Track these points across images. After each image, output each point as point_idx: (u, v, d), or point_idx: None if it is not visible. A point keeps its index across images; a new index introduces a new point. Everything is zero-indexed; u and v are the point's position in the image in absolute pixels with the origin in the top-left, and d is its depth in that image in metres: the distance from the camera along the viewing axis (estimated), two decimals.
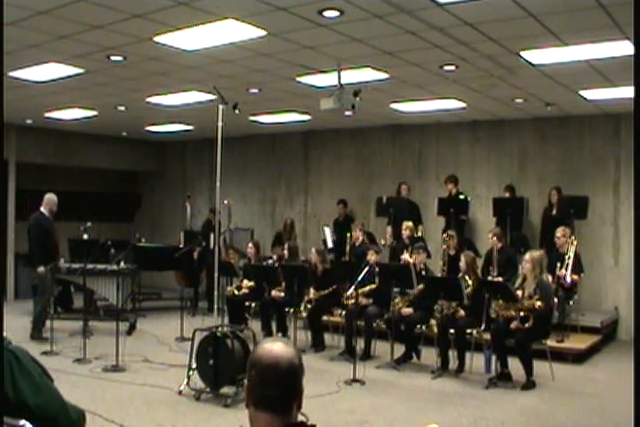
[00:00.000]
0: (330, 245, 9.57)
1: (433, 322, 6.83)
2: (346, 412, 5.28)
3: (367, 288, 7.19)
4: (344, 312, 7.45)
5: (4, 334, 1.95)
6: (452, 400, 5.63)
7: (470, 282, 6.62)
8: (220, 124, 6.00)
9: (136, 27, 5.30)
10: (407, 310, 6.99)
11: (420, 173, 10.48)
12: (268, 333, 7.72)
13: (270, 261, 8.71)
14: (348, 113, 8.20)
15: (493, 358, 6.29)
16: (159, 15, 5.01)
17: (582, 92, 7.54)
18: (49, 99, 8.60)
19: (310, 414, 1.78)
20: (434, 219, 9.55)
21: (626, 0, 4.15)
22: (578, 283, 7.36)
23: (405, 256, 7.66)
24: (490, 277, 7.22)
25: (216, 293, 6.29)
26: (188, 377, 5.73)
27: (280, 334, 7.66)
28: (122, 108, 9.41)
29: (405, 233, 8.42)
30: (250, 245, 8.70)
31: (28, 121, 10.66)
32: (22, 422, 1.86)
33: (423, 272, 7.19)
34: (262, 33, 5.45)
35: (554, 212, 8.60)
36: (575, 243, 7.40)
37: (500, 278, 7.03)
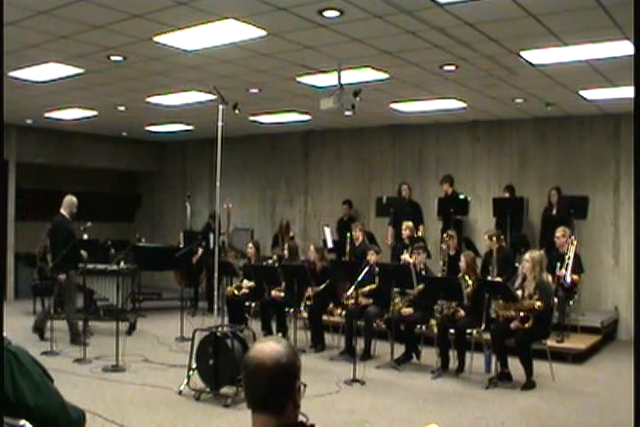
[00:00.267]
0: (330, 245, 9.57)
1: (433, 322, 6.84)
2: (346, 412, 5.28)
3: (367, 288, 7.20)
4: (344, 312, 7.45)
5: (4, 334, 1.95)
6: (452, 400, 5.63)
7: (470, 282, 6.62)
8: (220, 124, 6.00)
9: (136, 27, 5.30)
10: (407, 310, 6.99)
11: (420, 173, 10.47)
12: (268, 333, 7.72)
13: (270, 261, 8.70)
14: (347, 113, 8.20)
15: (493, 358, 6.29)
16: (159, 15, 5.01)
17: (582, 92, 7.53)
18: (49, 99, 8.60)
19: (310, 414, 1.77)
20: (433, 219, 9.55)
21: (626, 0, 4.15)
22: (578, 283, 7.36)
23: (405, 256, 7.66)
24: (489, 278, 7.21)
25: (216, 293, 6.29)
26: (188, 377, 5.73)
27: (280, 334, 7.66)
28: (122, 108, 9.41)
29: (405, 233, 8.43)
30: (250, 245, 8.70)
31: (28, 121, 10.66)
32: (22, 422, 1.86)
33: (423, 272, 7.19)
34: (262, 33, 5.45)
35: (554, 212, 8.61)
36: (575, 243, 7.40)
37: (499, 279, 7.02)
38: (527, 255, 6.29)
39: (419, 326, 7.01)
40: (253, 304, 8.14)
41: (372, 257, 7.40)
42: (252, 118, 10.02)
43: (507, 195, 9.16)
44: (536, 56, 5.98)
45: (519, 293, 6.14)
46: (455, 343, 6.57)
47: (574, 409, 5.40)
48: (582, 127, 9.14)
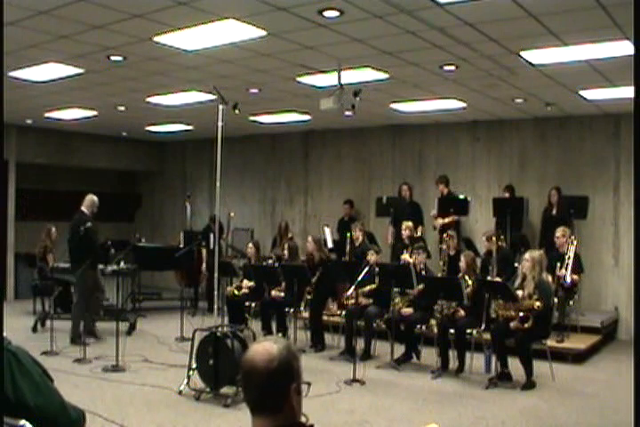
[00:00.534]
0: (330, 245, 9.57)
1: (433, 322, 6.84)
2: (346, 412, 5.28)
3: (367, 288, 7.19)
4: (344, 312, 7.45)
5: (4, 334, 1.95)
6: (452, 400, 5.63)
7: (470, 282, 6.62)
8: (220, 124, 6.00)
9: (136, 27, 5.30)
10: (407, 310, 6.99)
11: (420, 173, 10.47)
12: (268, 333, 7.72)
13: (270, 262, 8.71)
14: (347, 113, 8.19)
15: (493, 358, 6.29)
16: (159, 15, 5.01)
17: (582, 92, 7.53)
18: (49, 99, 8.60)
19: (310, 414, 1.77)
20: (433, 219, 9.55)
21: (626, 0, 4.15)
22: (578, 283, 7.36)
23: (405, 256, 7.66)
24: (489, 278, 7.21)
25: (216, 293, 6.29)
26: (188, 377, 5.73)
27: (280, 334, 7.66)
28: (122, 108, 9.41)
29: (405, 233, 8.42)
30: (250, 245, 8.71)
31: (28, 121, 10.66)
32: (22, 422, 1.86)
33: (423, 272, 7.19)
34: (262, 33, 5.45)
35: (554, 212, 8.61)
36: (575, 243, 7.40)
37: (499, 279, 7.02)
38: (527, 255, 6.29)
39: (419, 326, 7.01)
40: (253, 304, 8.14)
41: (372, 257, 7.40)
42: (251, 118, 10.02)
43: (507, 195, 9.16)
44: (536, 56, 5.98)
45: (519, 293, 6.14)
46: (455, 343, 6.57)
47: (574, 409, 5.40)
48: (582, 127, 9.14)
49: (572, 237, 7.45)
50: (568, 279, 7.13)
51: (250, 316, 8.11)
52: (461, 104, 8.56)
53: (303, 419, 1.74)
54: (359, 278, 6.65)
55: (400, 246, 8.39)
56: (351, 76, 6.72)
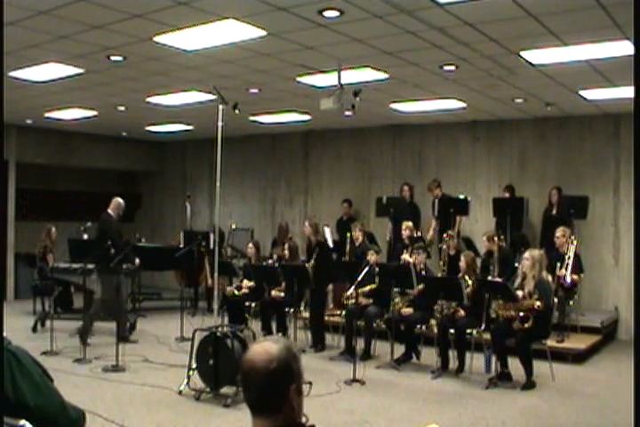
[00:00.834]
0: (330, 245, 9.56)
1: (433, 322, 6.84)
2: (346, 412, 5.28)
3: (367, 288, 7.19)
4: (344, 312, 7.45)
5: (4, 334, 1.95)
6: (452, 400, 5.63)
7: (470, 282, 6.62)
8: (220, 124, 6.00)
9: (136, 27, 5.30)
10: (407, 310, 6.99)
11: (420, 173, 10.47)
12: (268, 333, 7.72)
13: (270, 261, 8.71)
14: (347, 113, 8.19)
15: (493, 358, 6.29)
16: (159, 15, 5.01)
17: (582, 92, 7.53)
18: (49, 99, 8.60)
19: (310, 414, 1.77)
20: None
21: (626, 0, 4.15)
22: (578, 283, 7.36)
23: (405, 256, 7.66)
24: (489, 278, 7.21)
25: (216, 293, 6.29)
26: (188, 377, 5.73)
27: (280, 335, 7.66)
28: (122, 108, 9.41)
29: (405, 233, 8.41)
30: (250, 245, 8.70)
31: (28, 121, 10.66)
32: (22, 422, 1.86)
33: (423, 272, 7.19)
34: (262, 33, 5.45)
35: (554, 212, 8.61)
36: (575, 243, 7.40)
37: (499, 279, 7.02)
38: (527, 254, 6.29)
39: (419, 326, 7.01)
40: (253, 304, 8.13)
41: (372, 257, 7.40)
42: (252, 118, 10.03)
43: (507, 195, 9.16)
44: (536, 56, 5.98)
45: (519, 292, 6.14)
46: (455, 343, 6.57)
47: (574, 409, 5.40)
48: (582, 127, 9.14)
49: (572, 237, 7.45)
50: (568, 279, 7.13)
51: (250, 316, 8.10)
52: (461, 104, 8.56)
53: (303, 419, 1.74)
54: (359, 278, 6.65)
55: (400, 246, 8.39)
56: (351, 76, 6.72)
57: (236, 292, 8.18)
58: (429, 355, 6.88)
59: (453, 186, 10.02)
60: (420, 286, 6.80)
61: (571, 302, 7.32)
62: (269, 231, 11.69)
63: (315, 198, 11.67)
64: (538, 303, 5.93)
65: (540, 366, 6.18)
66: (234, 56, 6.27)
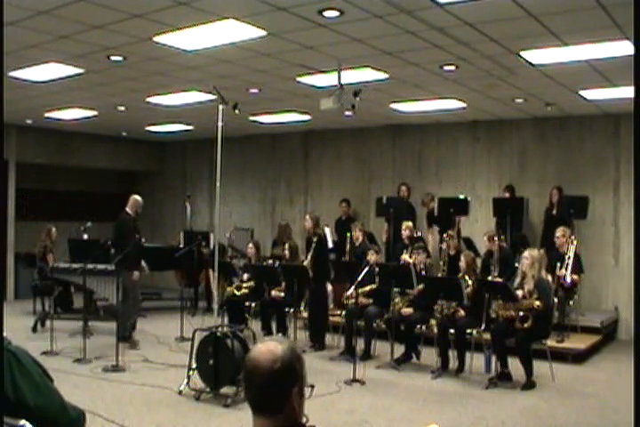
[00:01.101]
0: (330, 245, 9.57)
1: (433, 322, 6.84)
2: (346, 412, 5.28)
3: (367, 288, 7.19)
4: (344, 312, 7.45)
5: (4, 334, 1.95)
6: (452, 400, 5.63)
7: (470, 282, 6.62)
8: (220, 124, 6.00)
9: (136, 27, 5.30)
10: (407, 310, 6.99)
11: (420, 173, 10.48)
12: (268, 333, 7.72)
13: (270, 261, 8.71)
14: (347, 113, 8.20)
15: (493, 358, 6.29)
16: (159, 15, 5.01)
17: (582, 92, 7.53)
18: (49, 99, 8.60)
19: (310, 415, 1.77)
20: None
21: (626, 0, 4.15)
22: (578, 283, 7.36)
23: (405, 256, 7.65)
24: (490, 278, 7.20)
25: (216, 293, 6.30)
26: (188, 377, 5.73)
27: (280, 335, 7.66)
28: (122, 108, 9.41)
29: (405, 233, 8.41)
30: (250, 245, 8.70)
31: (28, 121, 10.65)
32: (22, 422, 1.86)
33: (423, 272, 7.19)
34: (262, 33, 5.45)
35: (554, 211, 8.61)
36: (575, 243, 7.39)
37: (499, 279, 7.02)
38: (526, 253, 6.29)
39: (419, 326, 7.01)
40: (253, 304, 8.14)
41: (372, 257, 7.40)
42: (252, 118, 10.02)
43: (507, 195, 9.16)
44: (536, 56, 5.98)
45: (519, 292, 6.14)
46: (455, 343, 6.57)
47: (574, 409, 5.40)
48: (582, 127, 9.14)
49: (572, 238, 7.45)
50: (568, 279, 7.13)
51: (250, 316, 8.11)
52: (461, 104, 8.56)
53: (303, 419, 1.74)
54: (359, 278, 6.65)
55: (400, 246, 8.39)
56: (351, 76, 6.72)
57: (236, 292, 8.18)
58: (429, 355, 6.88)
59: (453, 186, 10.03)
60: (420, 286, 6.80)
61: (571, 302, 7.32)
62: (269, 231, 11.70)
63: (315, 198, 11.67)
64: (537, 303, 5.93)
65: (540, 366, 6.18)
66: (234, 56, 6.27)
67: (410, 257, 7.51)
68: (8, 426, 1.84)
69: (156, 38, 5.64)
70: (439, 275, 7.50)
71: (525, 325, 5.97)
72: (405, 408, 5.41)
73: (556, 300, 6.56)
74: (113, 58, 6.39)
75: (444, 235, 8.02)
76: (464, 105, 8.60)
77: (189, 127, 11.23)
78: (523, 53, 5.92)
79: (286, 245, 8.29)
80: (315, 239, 7.86)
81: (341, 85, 6.45)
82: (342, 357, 7.14)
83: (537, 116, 9.31)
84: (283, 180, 12.11)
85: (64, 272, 8.55)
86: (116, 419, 4.85)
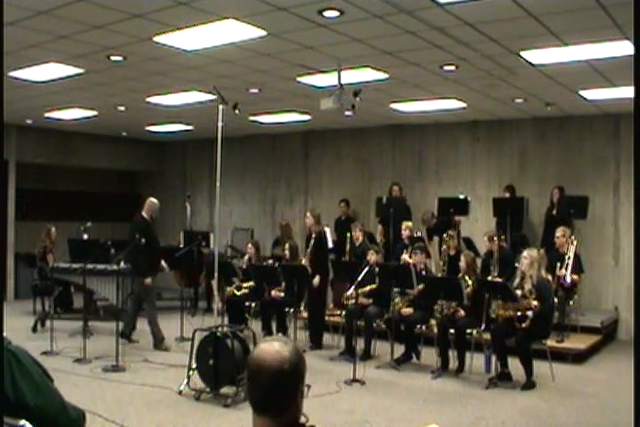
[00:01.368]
0: (330, 245, 9.56)
1: (433, 322, 6.83)
2: (346, 412, 5.28)
3: (367, 288, 7.19)
4: (344, 312, 7.45)
5: (4, 334, 1.94)
6: (452, 400, 5.63)
7: (470, 282, 6.62)
8: (220, 124, 5.99)
9: (136, 27, 5.30)
10: (407, 310, 6.99)
11: (420, 173, 10.48)
12: (268, 333, 7.72)
13: (270, 261, 8.71)
14: (347, 113, 8.19)
15: (493, 358, 6.29)
16: (159, 15, 5.01)
17: (582, 92, 7.53)
18: (49, 99, 8.59)
19: (310, 414, 1.77)
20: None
21: (626, 0, 4.15)
22: (578, 283, 7.35)
23: (405, 256, 7.65)
24: (490, 278, 7.20)
25: (216, 293, 6.30)
26: (188, 377, 5.73)
27: (280, 335, 7.65)
28: (122, 108, 9.41)
29: (405, 233, 8.41)
30: (250, 245, 8.70)
31: (28, 121, 10.66)
32: (22, 422, 1.86)
33: (423, 272, 7.19)
34: (262, 33, 5.45)
35: (554, 211, 8.60)
36: (575, 243, 7.39)
37: (499, 279, 7.01)
38: (525, 253, 6.30)
39: (419, 326, 7.01)
40: (253, 304, 8.14)
41: (372, 257, 7.39)
42: (251, 118, 10.02)
43: (507, 195, 9.16)
44: (536, 56, 5.98)
45: (518, 292, 6.14)
46: (455, 343, 6.57)
47: (574, 409, 5.40)
48: (582, 127, 9.14)
49: (572, 238, 7.45)
50: (568, 279, 7.13)
51: (250, 316, 8.11)
52: (461, 104, 8.56)
53: (303, 419, 1.74)
54: (359, 278, 6.65)
55: (400, 246, 8.38)
56: (351, 76, 6.72)
57: (236, 292, 8.18)
58: (429, 355, 6.88)
59: (453, 186, 10.03)
60: (420, 286, 6.80)
61: (571, 302, 7.32)
62: (269, 231, 11.70)
63: (315, 198, 11.66)
64: (535, 303, 5.93)
65: (540, 366, 6.17)
66: (234, 56, 6.27)
67: (409, 258, 7.51)
68: (8, 426, 1.84)
69: (156, 38, 5.64)
70: (439, 275, 7.50)
71: (523, 325, 5.97)
72: (405, 408, 5.41)
73: (555, 300, 6.56)
74: (113, 58, 6.39)
75: (444, 235, 8.01)
76: (464, 105, 8.60)
77: (189, 127, 11.23)
78: (523, 53, 5.92)
79: (286, 245, 8.29)
80: (314, 236, 7.88)
81: (341, 85, 6.45)
82: (342, 357, 7.14)
83: (537, 116, 9.31)
84: (283, 180, 12.11)
85: (64, 272, 8.55)
86: (116, 419, 4.85)
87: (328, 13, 4.92)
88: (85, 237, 9.50)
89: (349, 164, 11.25)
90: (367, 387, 6.04)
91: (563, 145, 9.28)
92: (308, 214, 8.13)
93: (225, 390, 5.48)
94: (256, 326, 7.59)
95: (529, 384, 5.95)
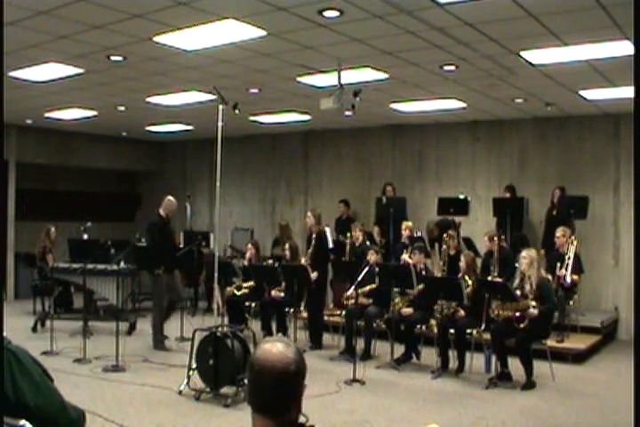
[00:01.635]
0: (330, 245, 9.56)
1: (433, 322, 6.83)
2: (346, 412, 5.28)
3: (367, 288, 7.19)
4: (344, 312, 7.45)
5: (4, 334, 1.94)
6: (452, 400, 5.63)
7: (470, 282, 6.62)
8: (220, 124, 5.99)
9: (136, 27, 5.30)
10: (407, 310, 6.99)
11: (420, 173, 10.48)
12: (268, 333, 7.71)
13: (270, 261, 8.70)
14: (347, 113, 8.20)
15: (493, 358, 6.29)
16: (159, 15, 5.00)
17: (582, 92, 7.53)
18: (49, 99, 8.59)
19: (310, 415, 1.77)
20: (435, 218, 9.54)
21: (626, 0, 4.15)
22: (578, 283, 7.35)
23: (405, 256, 7.65)
24: (490, 278, 7.20)
25: (216, 293, 6.30)
26: (188, 377, 5.73)
27: (280, 335, 7.65)
28: (122, 108, 9.41)
29: (405, 233, 8.40)
30: (249, 245, 8.69)
31: (28, 121, 10.66)
32: (22, 422, 1.86)
33: (423, 272, 7.19)
34: (262, 33, 5.45)
35: (554, 212, 8.60)
36: (575, 243, 7.39)
37: (499, 279, 7.01)
38: (524, 253, 6.30)
39: (419, 326, 7.01)
40: (253, 304, 8.13)
41: (372, 257, 7.39)
42: (252, 118, 10.02)
43: (507, 195, 9.16)
44: (536, 56, 5.98)
45: (518, 292, 6.14)
46: (455, 343, 6.57)
47: (574, 409, 5.40)
48: (582, 127, 9.14)
49: (572, 238, 7.45)
50: (568, 279, 7.12)
51: (250, 316, 8.10)
52: (461, 104, 8.56)
53: (303, 419, 1.74)
54: (359, 278, 6.65)
55: (400, 246, 8.38)
56: (351, 76, 6.72)
57: (236, 292, 8.18)
58: (429, 355, 6.88)
59: (453, 186, 10.03)
60: (420, 286, 6.80)
61: (571, 302, 7.32)
62: (269, 231, 11.70)
63: (315, 198, 11.66)
64: (533, 304, 5.92)
65: (540, 366, 6.17)
66: (234, 56, 6.27)
67: (409, 258, 7.50)
68: (8, 426, 1.84)
69: (156, 38, 5.64)
70: (439, 275, 7.50)
71: (521, 325, 5.96)
72: (405, 408, 5.41)
73: (555, 300, 6.56)
74: (113, 58, 6.39)
75: (445, 235, 8.00)
76: (464, 105, 8.60)
77: (189, 127, 11.23)
78: (523, 53, 5.92)
79: (286, 246, 8.29)
80: (314, 236, 7.88)
81: (341, 85, 6.45)
82: (342, 357, 7.14)
83: (537, 116, 9.31)
84: (283, 180, 12.11)
85: (64, 272, 8.55)
86: (115, 419, 4.85)
87: (328, 13, 4.92)
88: (85, 237, 9.50)
89: (349, 164, 11.25)
90: (367, 387, 6.04)
91: (563, 145, 9.28)
92: (309, 214, 8.14)
93: (225, 390, 5.48)
94: (256, 326, 7.59)
95: (529, 384, 5.95)
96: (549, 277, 6.96)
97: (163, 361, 6.81)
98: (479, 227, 9.44)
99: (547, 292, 6.07)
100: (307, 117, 9.92)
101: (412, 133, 10.53)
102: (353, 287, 6.84)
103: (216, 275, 6.14)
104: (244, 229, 11.95)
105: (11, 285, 11.11)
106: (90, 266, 7.84)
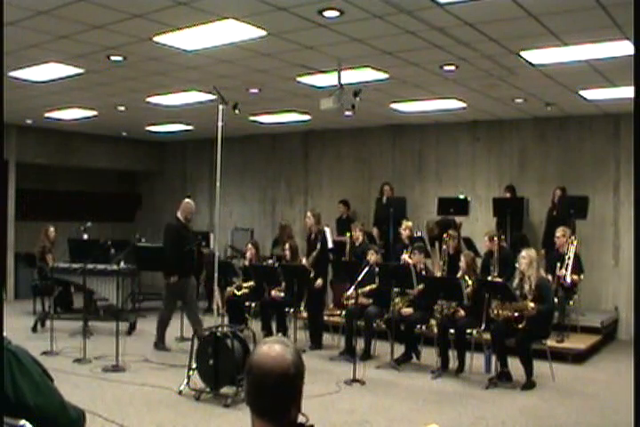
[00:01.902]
0: (330, 245, 9.55)
1: (433, 322, 6.83)
2: (346, 412, 5.28)
3: (367, 288, 7.19)
4: (344, 312, 7.45)
5: (4, 334, 1.94)
6: (452, 400, 5.63)
7: (470, 282, 6.62)
8: (220, 124, 5.99)
9: (136, 27, 5.30)
10: (407, 310, 6.99)
11: (420, 173, 10.48)
12: (268, 333, 7.71)
13: (270, 261, 8.70)
14: (347, 113, 8.20)
15: (493, 358, 6.29)
16: (159, 15, 5.01)
17: (582, 92, 7.54)
18: (49, 99, 8.60)
19: (310, 415, 1.76)
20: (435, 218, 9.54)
21: (626, 0, 4.15)
22: (578, 283, 7.35)
23: (405, 256, 7.64)
24: (489, 278, 7.20)
25: (216, 293, 6.29)
26: (188, 377, 5.73)
27: (280, 335, 7.65)
28: (122, 108, 9.41)
29: (405, 233, 8.40)
30: (249, 245, 8.69)
31: (28, 121, 10.66)
32: (22, 422, 1.86)
33: (423, 272, 7.18)
34: (262, 33, 5.45)
35: (554, 212, 8.60)
36: (575, 243, 7.39)
37: (499, 279, 7.01)
38: (523, 253, 6.30)
39: (419, 326, 7.01)
40: (253, 304, 8.13)
41: (371, 257, 7.39)
42: (252, 118, 10.03)
43: (507, 195, 9.16)
44: (536, 56, 5.98)
45: (518, 292, 6.14)
46: (455, 343, 6.57)
47: (574, 409, 5.40)
48: (582, 127, 9.14)
49: (572, 238, 7.45)
50: (568, 279, 7.12)
51: (250, 316, 8.10)
52: (461, 104, 8.56)
53: (303, 419, 1.73)
54: (359, 278, 6.65)
55: (400, 246, 8.38)
56: (351, 76, 6.72)
57: (236, 292, 8.18)
58: (429, 355, 6.88)
59: (453, 186, 10.03)
60: (420, 286, 6.80)
61: (571, 302, 7.32)
62: (269, 231, 11.70)
63: (315, 198, 11.66)
64: (531, 305, 5.91)
65: (540, 366, 6.17)
66: (234, 56, 6.27)
67: (409, 258, 7.50)
68: (8, 426, 1.84)
69: (156, 38, 5.64)
70: (439, 275, 7.49)
71: (520, 325, 5.96)
72: (405, 408, 5.41)
73: (555, 300, 6.56)
74: (113, 58, 6.39)
75: (444, 235, 8.00)
76: (464, 105, 8.60)
77: (189, 127, 11.24)
78: (523, 53, 5.92)
79: (286, 245, 8.29)
80: (313, 237, 7.88)
81: (341, 85, 6.45)
82: (342, 357, 7.14)
83: (537, 116, 9.31)
84: (283, 180, 12.11)
85: (64, 272, 8.55)
86: (116, 419, 4.85)
87: (328, 13, 4.92)
88: (85, 237, 9.50)
89: (349, 164, 11.25)
90: (367, 387, 6.04)
91: (563, 145, 9.28)
92: (309, 214, 8.14)
93: (225, 390, 5.48)
94: (256, 326, 7.59)
95: (529, 384, 5.95)
96: (549, 277, 6.96)
97: (163, 361, 6.81)
98: (479, 227, 9.44)
99: (546, 292, 6.07)
100: (307, 117, 9.92)
101: (412, 133, 10.53)
102: (353, 287, 6.83)
103: (216, 275, 6.14)
104: (244, 229, 11.95)
105: (11, 285, 11.11)
106: (90, 266, 7.85)
